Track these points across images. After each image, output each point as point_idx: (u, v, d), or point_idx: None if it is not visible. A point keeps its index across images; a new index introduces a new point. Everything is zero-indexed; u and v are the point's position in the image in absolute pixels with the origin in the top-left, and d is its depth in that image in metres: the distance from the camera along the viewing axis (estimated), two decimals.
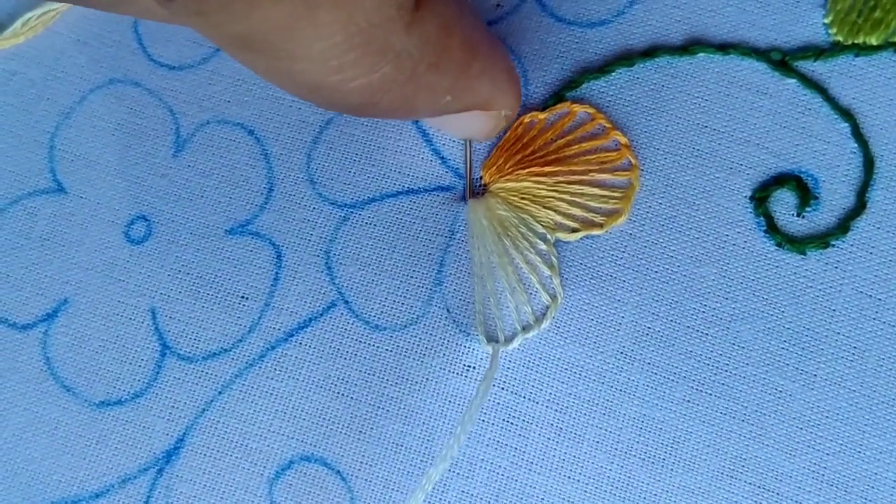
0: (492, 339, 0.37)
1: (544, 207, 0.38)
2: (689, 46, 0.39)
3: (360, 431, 0.37)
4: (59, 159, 0.42)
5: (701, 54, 0.39)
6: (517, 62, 0.40)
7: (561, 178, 0.38)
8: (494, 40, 0.34)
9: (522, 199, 0.38)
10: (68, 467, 0.38)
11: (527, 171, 0.38)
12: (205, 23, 0.26)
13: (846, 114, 0.38)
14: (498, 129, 0.37)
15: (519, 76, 0.37)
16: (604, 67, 0.40)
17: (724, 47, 0.39)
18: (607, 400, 0.37)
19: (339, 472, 0.37)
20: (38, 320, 0.40)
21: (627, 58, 0.40)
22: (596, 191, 0.38)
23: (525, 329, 0.37)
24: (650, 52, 0.40)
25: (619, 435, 0.36)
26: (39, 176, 0.41)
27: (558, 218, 0.38)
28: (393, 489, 0.37)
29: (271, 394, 0.38)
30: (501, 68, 0.34)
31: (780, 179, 0.38)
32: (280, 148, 0.41)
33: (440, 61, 0.29)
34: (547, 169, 0.38)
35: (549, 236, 0.38)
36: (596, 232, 0.38)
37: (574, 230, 0.38)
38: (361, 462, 0.37)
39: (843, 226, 0.37)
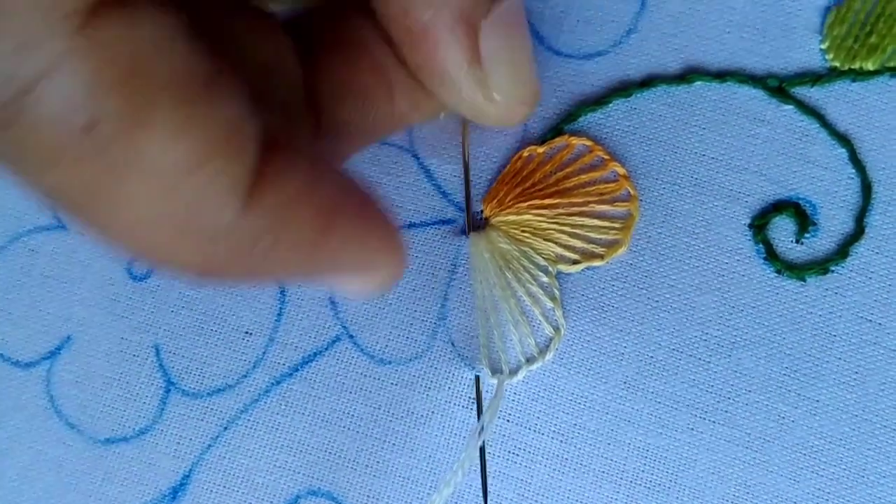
0: (496, 371, 0.37)
1: (545, 240, 0.38)
2: (686, 75, 0.40)
3: (366, 465, 0.37)
4: None
5: (698, 82, 0.40)
6: None
7: (561, 211, 0.39)
8: (366, 200, 0.28)
9: (523, 231, 0.38)
10: None
11: (527, 203, 0.39)
12: (12, 172, 0.22)
13: (843, 139, 0.38)
14: (381, 290, 0.31)
15: (398, 236, 0.29)
16: (601, 99, 0.40)
17: (721, 75, 0.39)
18: (612, 430, 0.37)
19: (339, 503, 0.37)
20: (41, 358, 0.40)
21: (624, 88, 0.40)
22: (596, 222, 0.38)
23: (529, 361, 0.37)
24: (647, 81, 0.40)
25: (625, 464, 0.37)
26: (40, 213, 0.41)
27: (559, 250, 0.38)
28: None
29: (277, 429, 0.38)
30: (371, 232, 0.28)
31: (779, 206, 0.38)
32: None
33: (286, 238, 0.25)
34: (547, 202, 0.39)
35: (550, 268, 0.38)
36: (597, 263, 0.38)
37: (575, 262, 0.38)
38: (368, 495, 0.37)
39: (842, 251, 0.38)
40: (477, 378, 0.37)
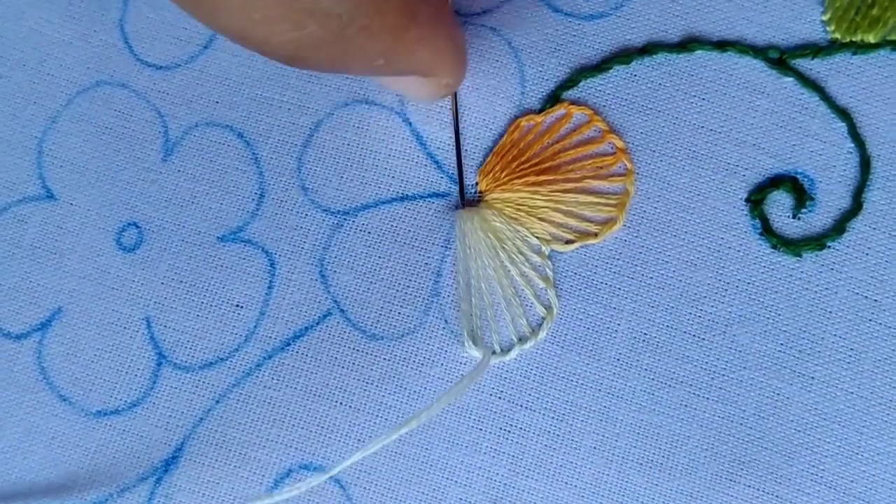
0: (478, 342, 0.37)
1: (539, 219, 0.38)
2: (687, 44, 0.39)
3: (358, 440, 0.37)
4: (48, 165, 0.41)
5: (698, 52, 0.39)
6: (513, 54, 0.40)
7: (556, 188, 0.38)
8: (441, 8, 0.32)
9: (518, 210, 0.38)
10: (66, 477, 0.38)
11: (522, 180, 0.38)
12: None
13: (843, 113, 0.38)
14: (438, 97, 0.36)
15: (464, 44, 0.35)
16: (601, 65, 0.39)
17: (721, 45, 0.39)
18: (604, 407, 0.37)
19: (337, 480, 0.37)
20: (32, 329, 0.40)
21: (625, 55, 0.39)
22: (591, 199, 0.38)
23: (522, 340, 0.37)
24: (648, 48, 0.39)
25: (617, 441, 0.36)
26: (28, 182, 0.41)
27: (553, 230, 0.38)
28: (391, 497, 0.37)
29: (269, 403, 0.38)
30: (442, 36, 0.33)
31: (776, 181, 0.38)
32: (270, 152, 0.40)
33: (372, 24, 0.28)
34: (542, 178, 0.38)
35: (543, 248, 0.38)
36: (591, 241, 0.38)
37: (569, 241, 0.38)
38: (359, 470, 0.37)
39: (839, 227, 0.37)
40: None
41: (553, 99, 0.39)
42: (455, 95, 0.39)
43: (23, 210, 0.41)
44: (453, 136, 0.39)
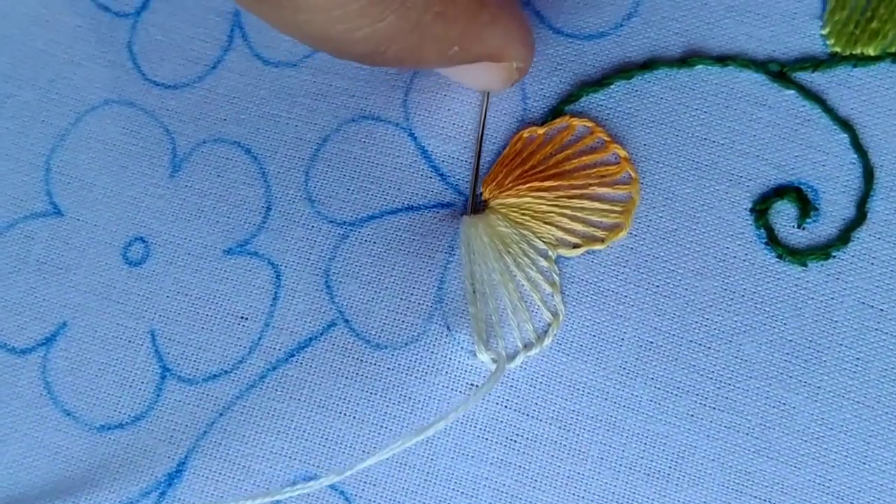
0: (490, 351, 0.37)
1: (545, 223, 0.38)
2: (688, 58, 0.39)
3: (363, 451, 0.37)
4: (56, 182, 0.41)
5: (699, 66, 0.39)
6: None
7: (561, 193, 0.38)
8: None
9: (523, 215, 0.38)
10: (70, 492, 0.38)
11: (527, 186, 0.38)
12: None
13: (845, 124, 0.38)
14: (511, 82, 0.37)
15: (530, 27, 0.36)
16: (602, 80, 0.40)
17: (722, 59, 0.39)
18: (611, 416, 0.37)
19: (342, 491, 0.37)
20: (36, 344, 0.40)
21: (626, 70, 0.40)
22: (596, 205, 0.38)
23: (527, 347, 0.37)
24: (649, 64, 0.40)
25: (624, 451, 0.36)
26: (36, 199, 0.41)
27: (559, 234, 0.38)
28: None
29: (273, 414, 0.38)
30: (512, 18, 0.33)
31: (780, 191, 0.38)
32: (277, 166, 0.40)
33: (447, 10, 0.29)
34: (547, 184, 0.38)
35: (550, 253, 0.38)
36: (597, 247, 0.38)
37: (575, 246, 0.38)
38: (365, 481, 0.37)
39: (843, 237, 0.37)
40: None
41: (555, 113, 0.40)
42: (486, 95, 0.39)
43: (30, 226, 0.41)
44: (475, 136, 0.39)
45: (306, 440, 0.37)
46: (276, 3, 0.27)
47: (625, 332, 0.37)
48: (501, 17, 0.32)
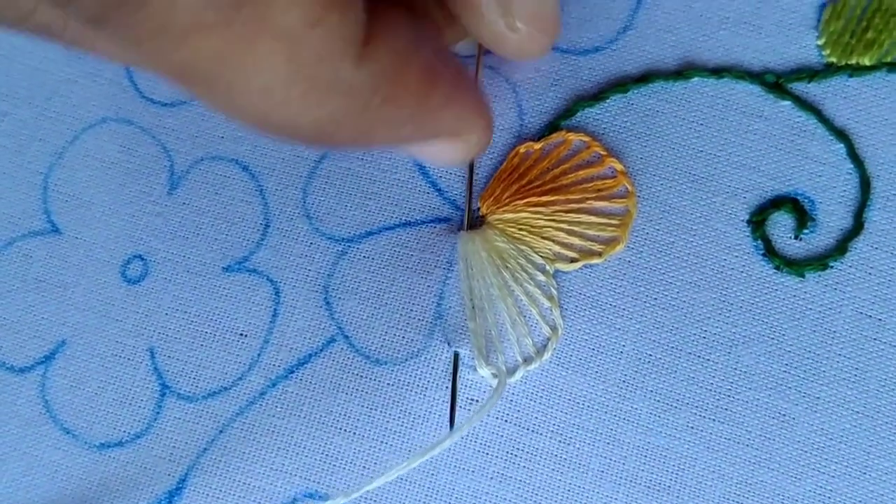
0: (490, 366, 0.37)
1: (542, 238, 0.38)
2: (683, 71, 0.40)
3: (364, 466, 0.37)
4: (53, 200, 0.41)
5: (695, 78, 0.39)
6: (510, 89, 0.40)
7: (558, 208, 0.38)
8: (458, 68, 0.31)
9: (520, 230, 0.38)
10: None
11: (524, 201, 0.38)
12: (138, 53, 0.24)
13: (841, 135, 0.38)
14: (471, 156, 0.35)
15: (487, 103, 0.33)
16: (598, 95, 0.40)
17: (717, 71, 0.39)
18: (611, 429, 0.37)
19: None
20: (35, 363, 0.40)
21: (622, 84, 0.40)
22: (593, 219, 0.38)
23: (526, 361, 0.37)
24: (644, 77, 0.40)
25: (624, 464, 0.36)
26: (33, 217, 0.41)
27: (557, 248, 0.38)
28: None
29: (273, 431, 0.38)
30: (466, 97, 0.31)
31: (777, 202, 0.38)
32: (275, 183, 0.40)
33: (395, 94, 0.27)
34: (544, 199, 0.38)
35: (548, 267, 0.38)
36: (595, 261, 0.38)
37: (573, 260, 0.38)
38: (366, 498, 0.37)
39: (841, 247, 0.37)
40: (455, 355, 0.37)
41: (551, 128, 0.40)
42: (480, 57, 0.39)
43: (28, 244, 0.41)
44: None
45: (306, 456, 0.37)
46: (210, 86, 0.25)
47: (623, 346, 0.37)
48: (455, 96, 0.30)
